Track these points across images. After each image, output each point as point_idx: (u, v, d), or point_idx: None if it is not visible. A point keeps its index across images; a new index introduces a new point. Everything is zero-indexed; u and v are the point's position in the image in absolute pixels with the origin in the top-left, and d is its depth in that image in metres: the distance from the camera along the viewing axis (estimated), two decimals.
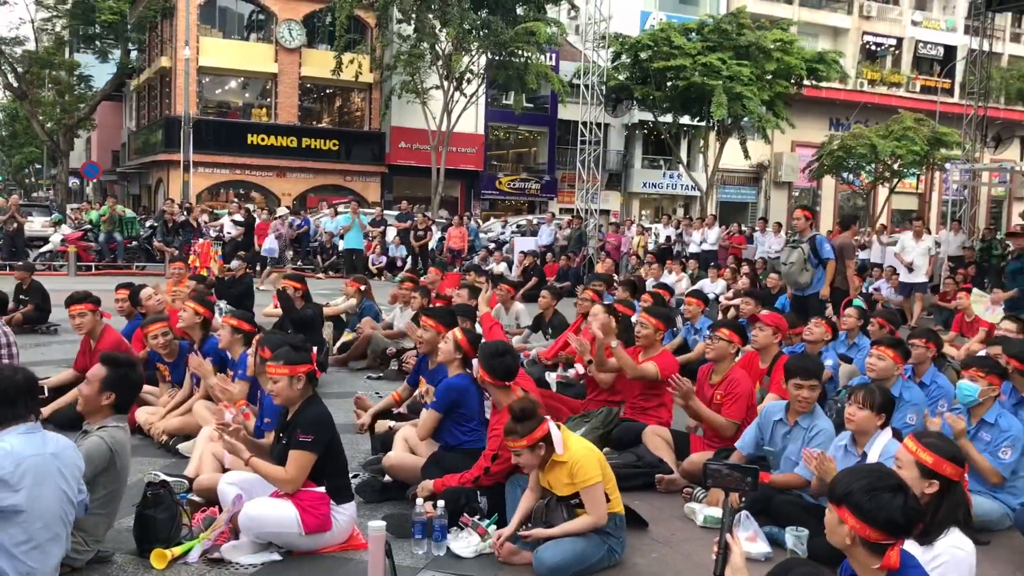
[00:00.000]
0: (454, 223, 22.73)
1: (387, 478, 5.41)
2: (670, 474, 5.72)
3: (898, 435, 4.32)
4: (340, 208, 23.26)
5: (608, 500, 4.40)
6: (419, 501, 4.64)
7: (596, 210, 24.40)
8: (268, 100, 33.68)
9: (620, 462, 5.76)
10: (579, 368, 7.70)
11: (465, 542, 4.59)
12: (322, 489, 4.45)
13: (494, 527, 4.62)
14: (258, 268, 19.26)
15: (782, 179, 38.99)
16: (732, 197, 39.15)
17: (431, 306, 8.73)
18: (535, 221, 25.45)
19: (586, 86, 23.91)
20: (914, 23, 41.68)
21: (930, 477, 3.37)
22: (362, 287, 10.33)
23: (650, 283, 13.27)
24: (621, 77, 27.30)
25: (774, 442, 5.26)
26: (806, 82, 27.79)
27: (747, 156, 30.12)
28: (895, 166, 28.76)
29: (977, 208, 23.10)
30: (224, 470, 5.03)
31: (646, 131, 36.89)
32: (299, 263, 21.69)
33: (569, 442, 4.40)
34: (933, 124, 28.03)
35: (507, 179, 36.30)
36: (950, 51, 41.00)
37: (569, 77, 28.65)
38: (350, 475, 5.06)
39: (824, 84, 29.57)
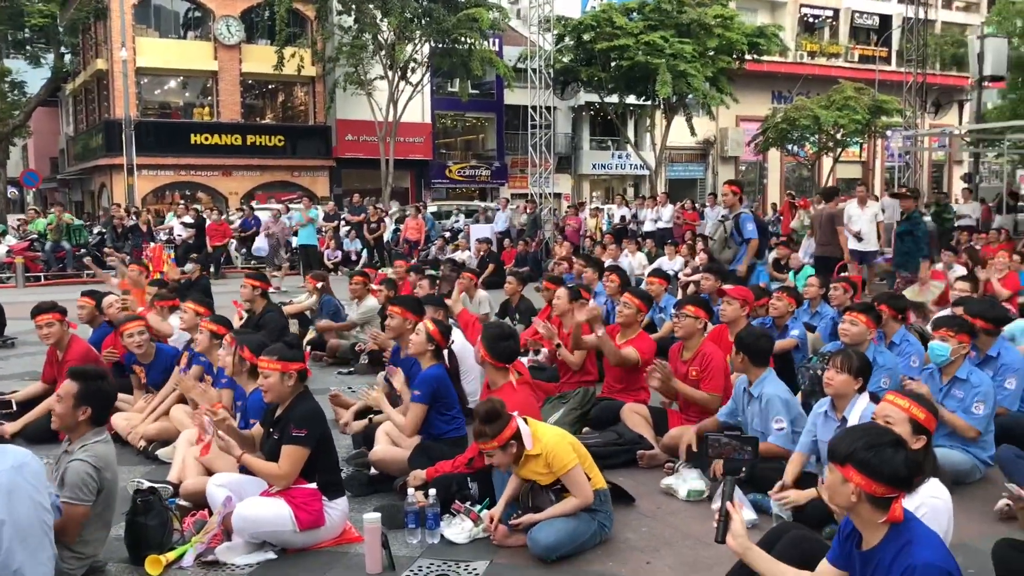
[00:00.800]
0: (411, 214, 22.64)
1: (373, 471, 5.43)
2: (651, 450, 5.82)
3: (875, 399, 4.43)
4: (291, 205, 23.02)
5: (589, 478, 4.46)
6: (411, 491, 4.65)
7: (550, 194, 24.46)
8: (210, 98, 33.08)
9: (601, 440, 5.85)
10: (546, 352, 7.77)
11: (458, 528, 4.63)
12: (313, 485, 4.45)
13: (486, 512, 4.66)
14: (212, 269, 19.02)
15: (728, 154, 39.41)
16: (680, 174, 39.50)
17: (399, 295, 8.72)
18: (483, 207, 25.43)
19: (533, 70, 23.91)
20: None
21: (920, 432, 3.49)
22: (319, 284, 10.26)
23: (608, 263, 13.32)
24: (566, 60, 27.32)
25: (744, 413, 5.38)
26: (747, 57, 28.07)
27: (693, 133, 30.41)
28: (838, 136, 29.28)
29: (920, 173, 23.62)
30: (208, 473, 5.00)
31: (593, 112, 37.03)
32: (252, 262, 21.43)
33: (538, 433, 4.41)
34: (873, 93, 28.56)
35: (457, 167, 36.18)
36: (885, 20, 41.66)
37: (513, 62, 28.62)
38: None
39: (765, 58, 29.90)
